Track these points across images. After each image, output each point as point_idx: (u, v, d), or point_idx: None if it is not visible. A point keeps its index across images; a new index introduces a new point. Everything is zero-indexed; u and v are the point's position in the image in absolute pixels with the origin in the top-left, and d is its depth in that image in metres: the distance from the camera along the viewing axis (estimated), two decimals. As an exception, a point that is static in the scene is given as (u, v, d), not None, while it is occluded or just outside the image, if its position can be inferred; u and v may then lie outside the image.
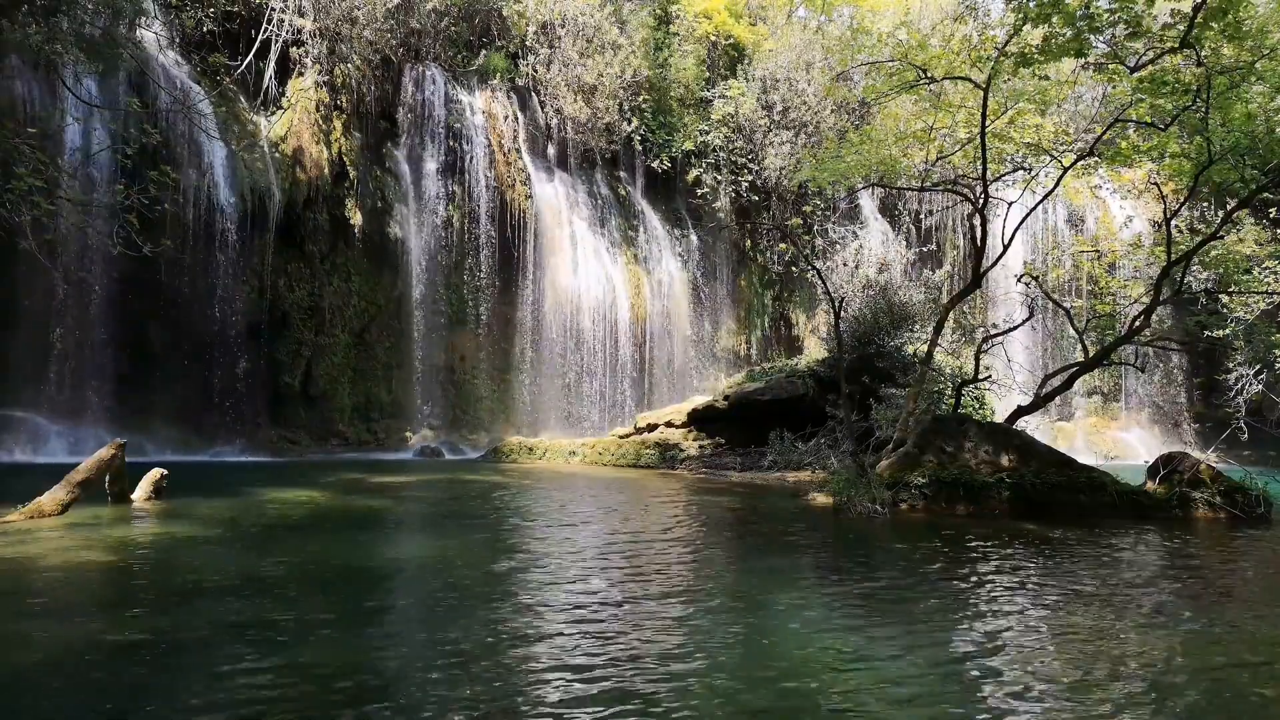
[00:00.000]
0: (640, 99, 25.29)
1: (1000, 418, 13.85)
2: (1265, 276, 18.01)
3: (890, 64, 13.22)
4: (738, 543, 8.02)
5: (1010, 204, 13.92)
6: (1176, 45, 10.52)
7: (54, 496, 7.93)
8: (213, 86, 18.45)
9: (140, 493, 9.14)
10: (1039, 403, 12.80)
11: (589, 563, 6.58)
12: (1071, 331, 14.47)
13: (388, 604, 5.31)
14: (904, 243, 27.10)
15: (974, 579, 6.20)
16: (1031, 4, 10.31)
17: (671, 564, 6.60)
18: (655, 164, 25.82)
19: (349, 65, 20.83)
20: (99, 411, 16.68)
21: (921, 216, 28.99)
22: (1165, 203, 14.66)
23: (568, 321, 23.36)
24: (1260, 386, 21.31)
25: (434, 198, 22.03)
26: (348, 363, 20.71)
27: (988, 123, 12.07)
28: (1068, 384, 13.66)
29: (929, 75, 12.64)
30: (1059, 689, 3.77)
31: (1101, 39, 11.18)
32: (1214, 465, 10.96)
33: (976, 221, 13.39)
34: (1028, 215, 14.48)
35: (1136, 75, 11.17)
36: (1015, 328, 14.69)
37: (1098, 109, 17.47)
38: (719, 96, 26.38)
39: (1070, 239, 27.67)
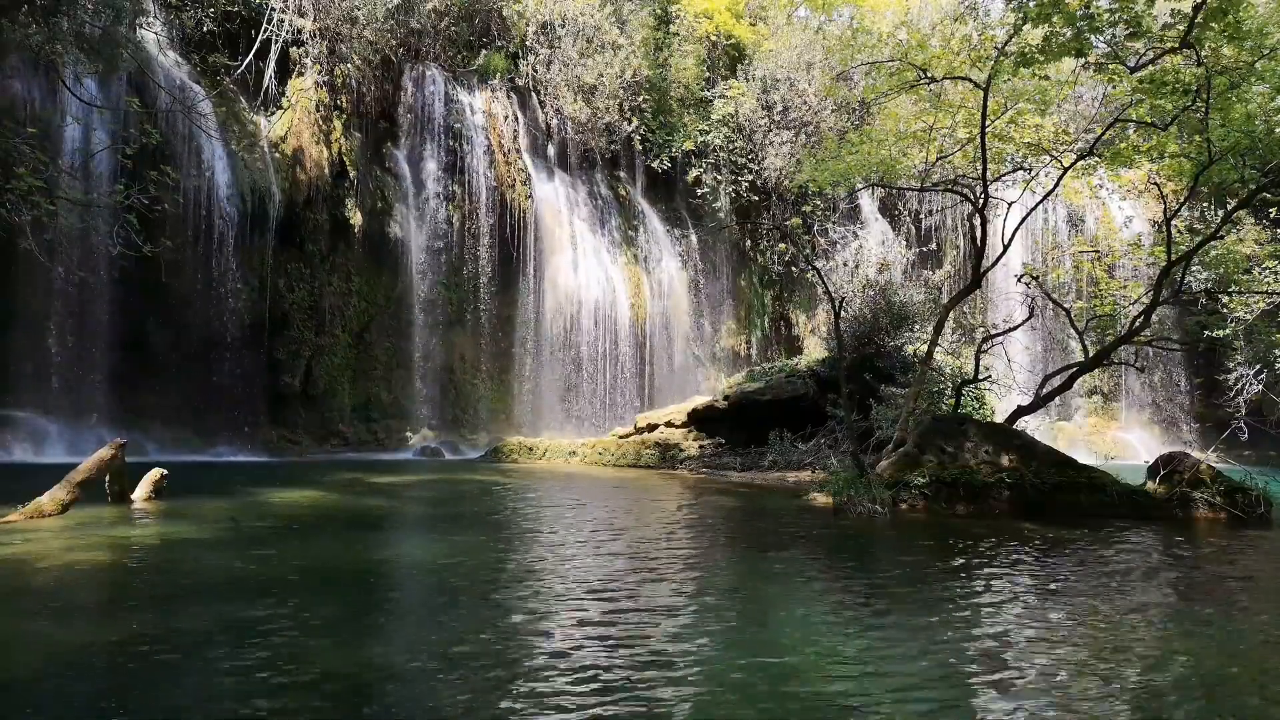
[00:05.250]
0: (640, 99, 25.29)
1: (1000, 418, 13.85)
2: (1265, 276, 18.03)
3: (890, 64, 13.22)
4: (738, 543, 8.02)
5: (1010, 204, 13.91)
6: (1176, 45, 10.53)
7: (54, 496, 7.93)
8: (213, 86, 18.45)
9: (140, 493, 9.14)
10: (1039, 403, 12.80)
11: (589, 563, 6.57)
12: (1071, 331, 14.46)
13: (388, 604, 5.30)
14: (904, 243, 27.11)
15: (975, 579, 6.20)
16: (1031, 4, 10.32)
17: (672, 564, 6.60)
18: (655, 164, 25.82)
19: (349, 65, 20.82)
20: (99, 411, 16.67)
21: (921, 216, 28.99)
22: (1165, 203, 14.66)
23: (568, 321, 23.35)
24: (1260, 386, 21.31)
25: (434, 198, 22.03)
26: (348, 363, 20.71)
27: (988, 123, 12.07)
28: (1068, 384, 13.65)
29: (929, 75, 12.65)
30: (1060, 689, 3.77)
31: (1101, 39, 11.19)
32: (1214, 465, 10.95)
33: (976, 221, 13.38)
34: (1028, 215, 14.47)
35: (1136, 75, 11.17)
36: (1015, 328, 14.68)
37: (1098, 109, 17.48)
38: (719, 96, 26.38)
39: (1070, 239, 27.67)
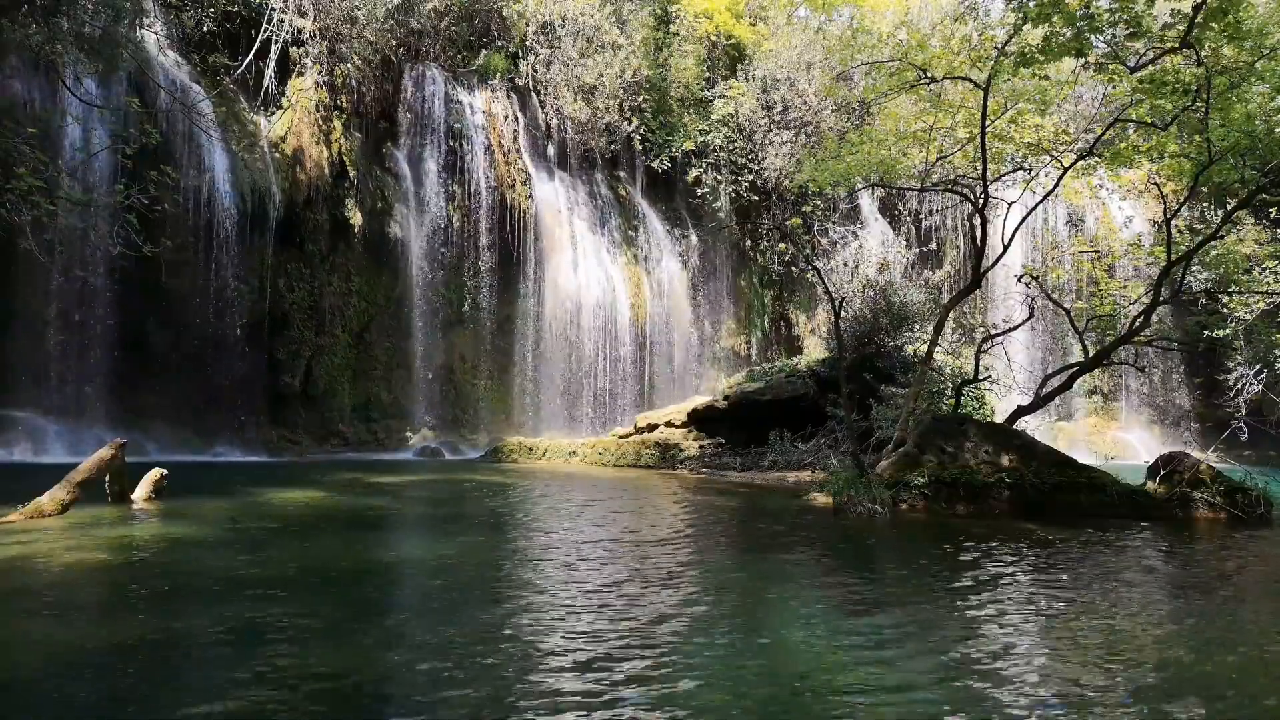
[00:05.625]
0: (640, 99, 25.28)
1: (1000, 418, 13.85)
2: (1265, 276, 18.02)
3: (890, 64, 13.22)
4: (738, 543, 8.02)
5: (1010, 204, 13.91)
6: (1176, 45, 10.53)
7: (54, 496, 7.93)
8: (213, 86, 18.45)
9: (140, 493, 9.14)
10: (1039, 403, 12.80)
11: (589, 563, 6.57)
12: (1071, 331, 14.46)
13: (388, 604, 5.31)
14: (904, 243, 27.08)
15: (975, 579, 6.20)
16: (1031, 4, 10.31)
17: (672, 564, 6.60)
18: (655, 164, 25.81)
19: (349, 65, 20.82)
20: (99, 411, 16.67)
21: (921, 216, 28.98)
22: (1165, 203, 14.66)
23: (568, 321, 23.35)
24: (1260, 386, 21.31)
25: (434, 198, 22.02)
26: (348, 363, 20.71)
27: (988, 123, 12.06)
28: (1068, 384, 13.65)
29: (929, 75, 12.64)
30: (1060, 689, 3.77)
31: (1101, 39, 11.18)
32: (1214, 465, 10.96)
33: (976, 221, 13.38)
34: (1028, 215, 14.47)
35: (1136, 75, 11.17)
36: (1015, 328, 14.69)
37: (1098, 109, 17.47)
38: (719, 96, 26.38)
39: (1070, 239, 27.67)
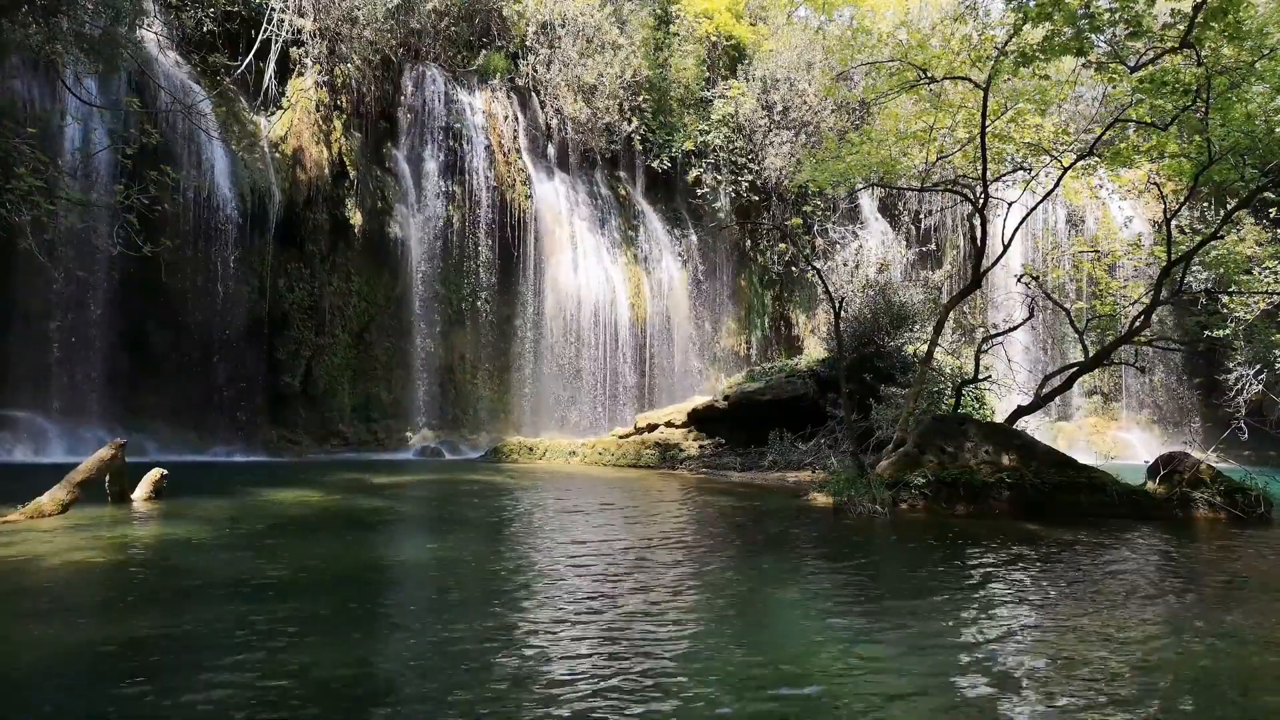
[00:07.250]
0: (640, 99, 25.29)
1: (1000, 418, 13.84)
2: (1265, 276, 18.02)
3: (890, 64, 13.21)
4: (738, 543, 8.02)
5: (1010, 204, 13.91)
6: (1176, 45, 10.53)
7: (54, 496, 7.93)
8: (213, 86, 18.44)
9: (140, 493, 9.14)
10: (1039, 403, 12.79)
11: (590, 563, 6.57)
12: (1071, 331, 14.46)
13: (388, 605, 5.31)
14: (904, 243, 27.12)
15: (975, 579, 6.20)
16: (1031, 3, 10.31)
17: (672, 564, 6.59)
18: (655, 164, 25.83)
19: (349, 65, 20.82)
20: (99, 411, 16.67)
21: (921, 216, 29.00)
22: (1165, 203, 14.65)
23: (568, 321, 23.36)
24: (1260, 386, 21.31)
25: (434, 198, 22.03)
26: (348, 363, 20.71)
27: (988, 123, 12.06)
28: (1068, 384, 13.65)
29: (929, 75, 12.64)
30: (1060, 689, 3.77)
31: (1101, 38, 11.18)
32: (1214, 465, 10.95)
33: (976, 221, 13.38)
34: (1028, 215, 14.46)
35: (1136, 75, 11.16)
36: (1015, 328, 14.68)
37: (1098, 109, 17.46)
38: (719, 96, 26.39)
39: (1070, 239, 27.67)
